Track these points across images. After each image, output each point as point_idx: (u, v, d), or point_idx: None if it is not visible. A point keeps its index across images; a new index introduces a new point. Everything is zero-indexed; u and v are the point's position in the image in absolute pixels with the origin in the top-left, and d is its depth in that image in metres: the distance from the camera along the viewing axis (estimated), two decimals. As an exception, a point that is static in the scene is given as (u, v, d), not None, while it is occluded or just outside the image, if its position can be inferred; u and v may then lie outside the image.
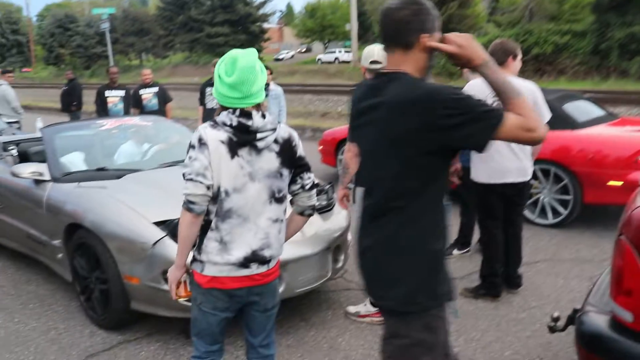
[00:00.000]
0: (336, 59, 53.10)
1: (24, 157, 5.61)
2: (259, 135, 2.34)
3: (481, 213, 4.35)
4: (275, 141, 2.40)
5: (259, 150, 2.36)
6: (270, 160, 2.39)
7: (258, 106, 2.37)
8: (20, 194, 4.94)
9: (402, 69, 1.98)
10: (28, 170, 4.62)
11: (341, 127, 8.74)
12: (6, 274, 5.22)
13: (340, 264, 4.28)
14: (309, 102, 21.27)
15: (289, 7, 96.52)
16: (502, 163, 4.12)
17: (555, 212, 6.05)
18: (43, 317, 4.29)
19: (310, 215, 2.63)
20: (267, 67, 8.13)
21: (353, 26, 40.47)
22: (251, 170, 2.35)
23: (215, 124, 2.33)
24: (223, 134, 2.30)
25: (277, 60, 63.26)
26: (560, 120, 6.04)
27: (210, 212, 2.36)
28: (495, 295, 4.29)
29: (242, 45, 48.03)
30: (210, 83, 8.26)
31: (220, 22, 47.71)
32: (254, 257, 2.39)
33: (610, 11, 29.49)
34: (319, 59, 54.07)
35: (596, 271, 4.82)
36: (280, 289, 3.72)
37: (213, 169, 2.29)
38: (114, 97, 9.55)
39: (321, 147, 8.72)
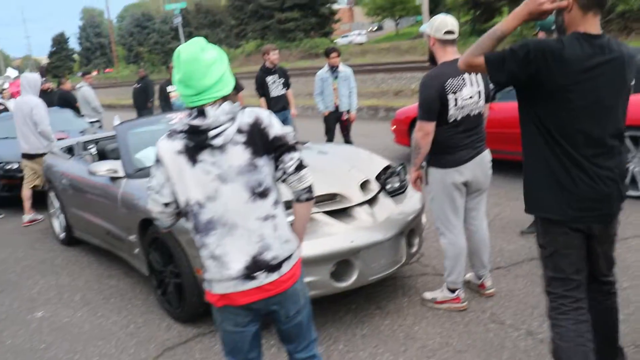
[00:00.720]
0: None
1: (102, 155, 5.76)
2: (213, 132, 2.08)
3: None
4: (240, 131, 2.12)
5: (221, 148, 2.11)
6: (238, 155, 2.12)
7: (223, 98, 2.14)
8: (99, 191, 5.06)
9: None
10: (104, 168, 4.71)
11: (415, 105, 8.43)
12: (91, 269, 5.39)
13: (415, 249, 4.12)
14: (382, 81, 20.92)
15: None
16: None
17: (649, 182, 5.62)
18: (123, 311, 4.38)
19: (308, 199, 2.30)
20: (334, 49, 8.00)
21: (424, 0, 39.47)
22: (220, 171, 2.12)
23: (172, 134, 2.17)
24: (178, 143, 2.13)
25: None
26: (651, 82, 5.58)
27: (191, 231, 2.21)
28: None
29: (313, 29, 48.09)
30: (269, 71, 8.18)
31: (290, 7, 47.61)
32: (257, 265, 2.16)
33: None
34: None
35: (699, 245, 4.42)
36: (353, 278, 3.63)
37: (175, 183, 2.15)
38: (176, 91, 9.72)
39: (394, 126, 8.51)
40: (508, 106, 5.84)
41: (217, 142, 2.09)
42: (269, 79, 8.10)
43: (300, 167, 2.23)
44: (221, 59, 2.15)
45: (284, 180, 2.26)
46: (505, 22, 2.41)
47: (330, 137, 8.12)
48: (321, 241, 3.54)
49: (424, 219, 4.35)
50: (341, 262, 3.58)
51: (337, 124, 8.14)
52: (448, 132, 3.58)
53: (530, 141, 2.53)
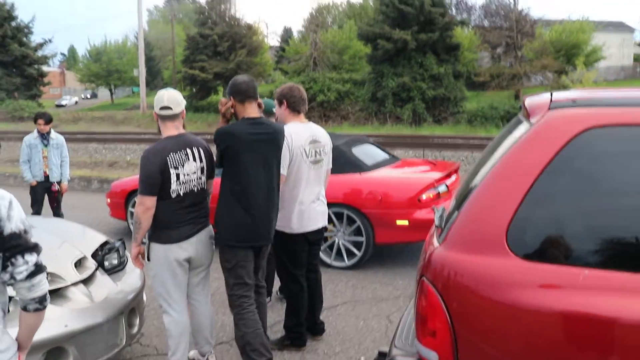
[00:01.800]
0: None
1: None
2: None
3: (289, 262, 4.16)
4: None
5: None
6: None
7: None
8: None
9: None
10: None
11: (131, 178, 8.16)
12: None
13: (136, 329, 3.89)
14: (95, 151, 20.09)
15: (72, 50, 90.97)
16: (315, 209, 4.11)
17: (351, 254, 6.23)
18: None
19: (38, 310, 1.96)
20: (42, 115, 7.38)
21: (141, 72, 39.45)
22: None
23: None
24: None
25: (59, 106, 59.20)
26: (349, 164, 6.31)
27: None
28: (301, 345, 4.21)
29: (18, 89, 44.16)
30: None
31: (-10, 63, 43.29)
32: None
33: (384, 62, 32.58)
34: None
35: (392, 308, 5.01)
36: (67, 368, 3.26)
37: None
38: None
39: (109, 199, 8.08)
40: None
41: None
42: None
43: (34, 273, 1.88)
44: None
45: (10, 285, 1.89)
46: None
47: (37, 210, 7.38)
48: (28, 328, 3.12)
49: (144, 297, 4.16)
50: (53, 350, 3.18)
51: (45, 195, 7.47)
52: (171, 207, 3.53)
53: (222, 194, 3.64)
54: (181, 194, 3.53)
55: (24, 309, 1.94)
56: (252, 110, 3.64)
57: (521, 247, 2.12)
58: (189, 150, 3.58)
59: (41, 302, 1.94)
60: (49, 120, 7.35)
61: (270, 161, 3.65)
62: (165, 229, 3.55)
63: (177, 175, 3.49)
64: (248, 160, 3.55)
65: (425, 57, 31.96)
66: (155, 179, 3.45)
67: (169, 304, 3.64)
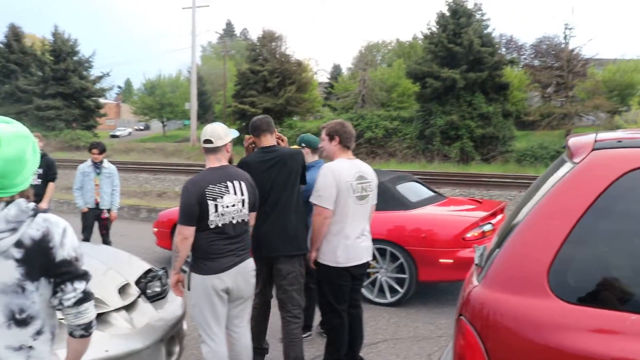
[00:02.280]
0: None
1: None
2: None
3: (332, 297, 4.14)
4: (19, 244, 1.79)
5: None
6: (5, 271, 1.79)
7: (20, 193, 1.86)
8: None
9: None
10: None
11: (177, 208, 8.32)
12: None
13: (175, 357, 3.92)
14: (145, 181, 20.57)
15: (128, 83, 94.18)
16: (360, 244, 4.11)
17: (393, 291, 6.17)
18: None
19: (83, 336, 2.00)
20: (96, 145, 7.64)
21: (193, 105, 40.45)
22: None
23: None
24: None
25: (113, 137, 61.05)
26: (394, 201, 6.28)
27: None
28: (339, 380, 4.17)
29: (76, 120, 45.83)
30: None
31: (53, 95, 44.98)
32: None
33: (432, 101, 32.52)
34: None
35: (434, 348, 4.91)
36: (105, 392, 3.30)
37: None
38: None
39: (156, 229, 8.25)
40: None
41: None
42: None
43: (82, 301, 1.93)
44: (35, 152, 1.84)
45: (58, 310, 1.94)
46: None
47: (87, 236, 7.60)
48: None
49: (184, 325, 4.20)
50: (92, 375, 3.25)
51: (95, 222, 7.69)
52: (210, 238, 3.57)
53: None
54: (219, 225, 3.58)
55: (71, 334, 2.00)
56: (266, 141, 4.21)
57: (562, 288, 2.07)
58: (229, 183, 3.64)
59: (87, 329, 1.99)
60: (102, 150, 7.61)
61: (282, 181, 4.09)
62: (204, 259, 3.60)
63: (216, 207, 3.55)
64: (260, 183, 3.97)
65: (474, 95, 31.79)
66: (192, 209, 3.52)
67: (207, 333, 3.67)
